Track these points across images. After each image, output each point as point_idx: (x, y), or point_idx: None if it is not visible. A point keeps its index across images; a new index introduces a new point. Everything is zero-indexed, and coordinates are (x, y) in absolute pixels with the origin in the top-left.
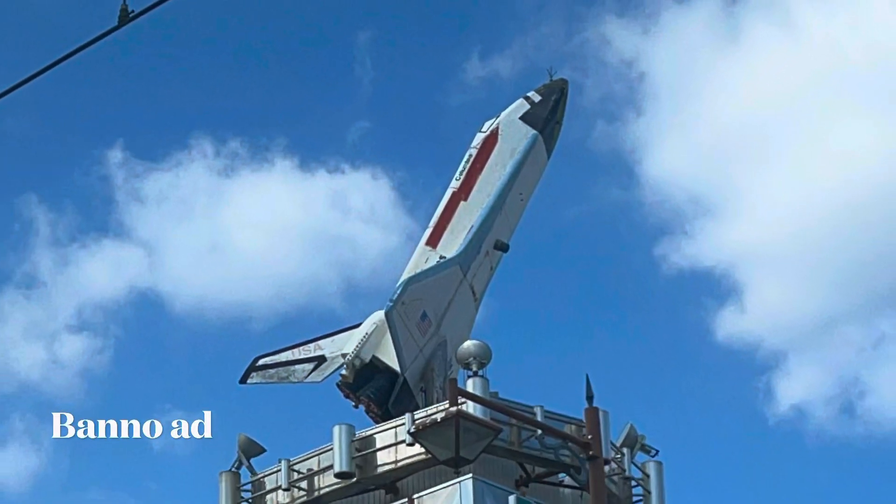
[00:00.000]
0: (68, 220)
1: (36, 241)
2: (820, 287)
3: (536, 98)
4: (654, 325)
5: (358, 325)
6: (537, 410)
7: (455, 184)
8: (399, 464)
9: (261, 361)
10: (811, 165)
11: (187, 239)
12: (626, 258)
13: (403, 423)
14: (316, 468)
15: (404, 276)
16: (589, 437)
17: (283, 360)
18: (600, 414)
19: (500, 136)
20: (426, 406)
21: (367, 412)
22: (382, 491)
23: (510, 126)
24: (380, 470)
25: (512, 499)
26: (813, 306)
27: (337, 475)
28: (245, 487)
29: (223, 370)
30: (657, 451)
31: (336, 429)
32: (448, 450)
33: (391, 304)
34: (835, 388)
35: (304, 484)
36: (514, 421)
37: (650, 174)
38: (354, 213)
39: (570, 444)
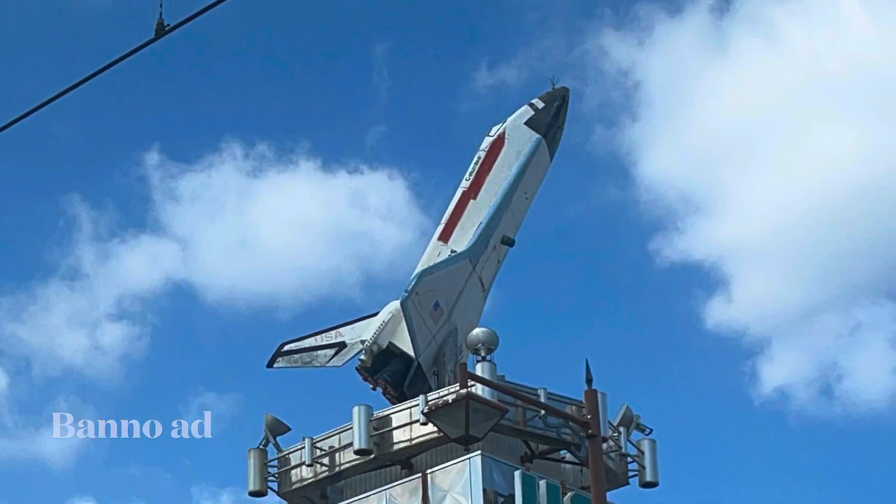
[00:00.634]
0: (109, 217)
1: (79, 236)
2: (801, 279)
3: (540, 105)
4: (649, 314)
5: (375, 314)
6: (541, 392)
7: (465, 183)
8: (413, 441)
9: (286, 347)
10: (793, 167)
11: (218, 234)
12: (623, 252)
13: (417, 404)
14: (337, 446)
15: (418, 269)
16: (588, 416)
17: (307, 346)
18: (599, 395)
19: (506, 140)
20: (438, 388)
21: (384, 394)
22: (398, 466)
23: (516, 130)
24: (396, 447)
25: (517, 474)
26: (795, 297)
27: (356, 452)
28: (271, 463)
29: (251, 355)
30: (651, 430)
31: (355, 409)
32: (459, 429)
33: (406, 294)
34: (815, 371)
35: (325, 460)
36: (519, 402)
37: (644, 175)
38: (372, 211)
39: (570, 423)
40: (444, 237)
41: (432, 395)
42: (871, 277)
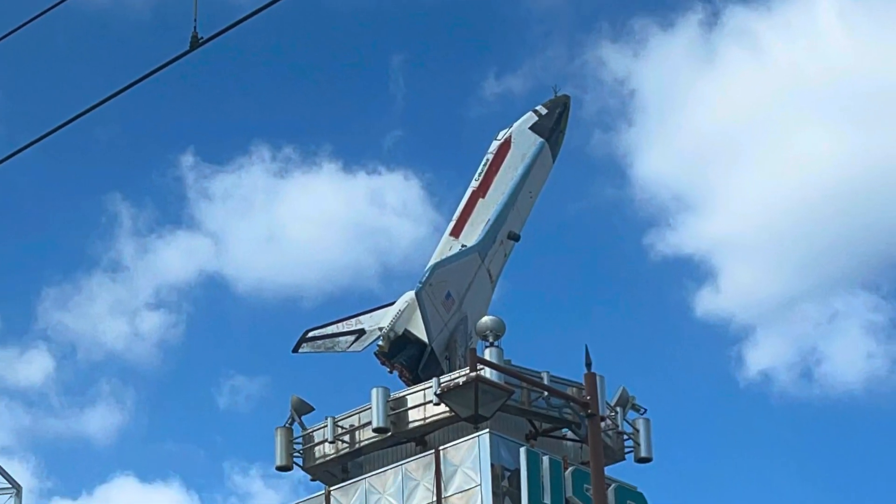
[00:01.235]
0: (147, 215)
1: (120, 232)
2: (783, 271)
3: (543, 111)
4: (643, 304)
5: (392, 303)
6: (544, 375)
7: (475, 183)
8: (427, 420)
9: (310, 334)
10: (775, 168)
11: (248, 230)
12: (619, 247)
13: (431, 386)
14: (357, 424)
15: (431, 262)
16: (588, 397)
17: (329, 332)
18: (597, 378)
19: (512, 143)
20: (450, 371)
21: (400, 377)
22: (413, 443)
23: (521, 135)
24: (411, 425)
25: (522, 450)
26: (777, 287)
27: (374, 430)
28: (297, 440)
29: (278, 341)
30: (645, 410)
31: (374, 391)
32: (469, 408)
33: (420, 285)
34: (795, 356)
35: (346, 437)
36: (524, 384)
37: (639, 175)
38: (389, 209)
39: (571, 403)
40: (456, 233)
41: (444, 378)
42: (847, 270)
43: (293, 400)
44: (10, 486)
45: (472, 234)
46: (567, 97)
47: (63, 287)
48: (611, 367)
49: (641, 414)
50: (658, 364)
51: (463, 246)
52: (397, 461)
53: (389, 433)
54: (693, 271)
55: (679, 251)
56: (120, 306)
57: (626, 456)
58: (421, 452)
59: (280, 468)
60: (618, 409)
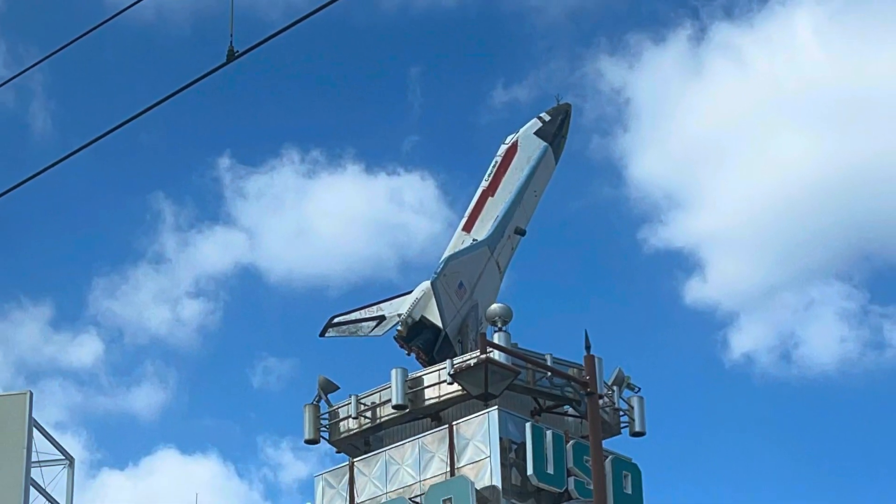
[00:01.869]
0: (188, 212)
1: (163, 227)
2: (764, 263)
3: (547, 118)
4: (637, 292)
5: (410, 292)
6: (547, 357)
7: (485, 183)
8: (442, 398)
9: (336, 320)
10: (757, 169)
11: (279, 226)
12: (616, 241)
13: (445, 367)
14: (378, 402)
15: (445, 254)
16: (587, 377)
17: (353, 318)
18: (596, 360)
19: (518, 147)
20: (462, 354)
21: (417, 359)
22: (429, 419)
23: (527, 139)
24: (427, 403)
25: (528, 425)
26: (759, 277)
27: (394, 407)
28: (323, 416)
29: (306, 327)
30: (639, 389)
31: (393, 371)
32: (479, 387)
33: (435, 275)
34: (775, 340)
35: (368, 414)
36: (529, 365)
37: (634, 176)
38: (407, 206)
39: (572, 383)
40: (467, 228)
41: (457, 360)
42: (822, 262)
43: (320, 380)
44: (63, 457)
45: (483, 230)
46: (568, 105)
47: (111, 277)
48: (608, 350)
49: (636, 392)
50: (651, 347)
51: (474, 240)
52: (414, 435)
53: (407, 410)
54: (682, 263)
55: (670, 245)
56: (163, 295)
57: (622, 430)
58: (436, 427)
59: (308, 441)
60: (614, 387)
